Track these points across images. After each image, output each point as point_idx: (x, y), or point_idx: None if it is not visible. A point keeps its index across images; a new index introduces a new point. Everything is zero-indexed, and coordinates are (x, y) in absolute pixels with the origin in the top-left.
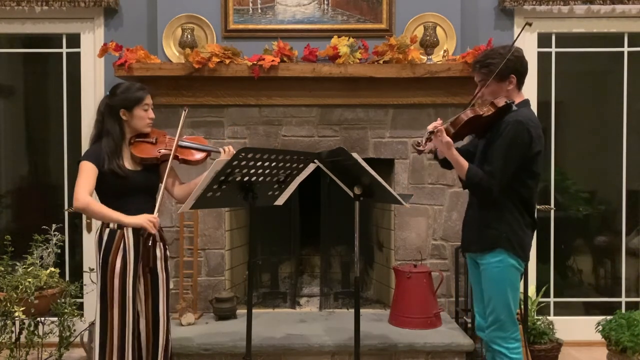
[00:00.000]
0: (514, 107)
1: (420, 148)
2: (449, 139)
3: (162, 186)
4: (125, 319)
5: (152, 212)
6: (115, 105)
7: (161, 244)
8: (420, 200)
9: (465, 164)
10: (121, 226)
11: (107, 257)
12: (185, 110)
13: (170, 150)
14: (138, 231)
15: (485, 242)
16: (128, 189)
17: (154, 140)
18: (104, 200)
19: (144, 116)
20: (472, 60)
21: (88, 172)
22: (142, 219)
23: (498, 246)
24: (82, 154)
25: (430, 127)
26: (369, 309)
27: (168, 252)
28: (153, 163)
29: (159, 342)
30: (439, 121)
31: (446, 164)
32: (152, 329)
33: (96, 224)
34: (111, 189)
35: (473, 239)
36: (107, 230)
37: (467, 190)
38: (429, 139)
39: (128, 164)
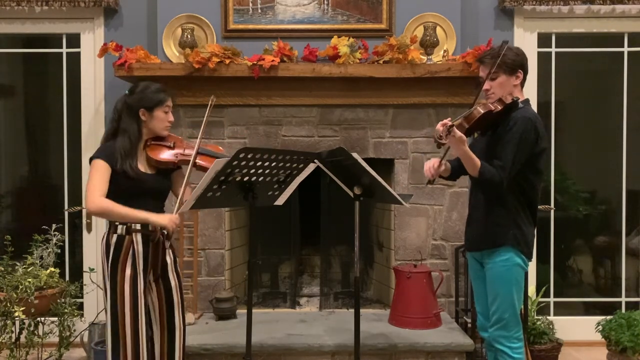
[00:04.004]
0: (520, 105)
1: (443, 141)
2: (462, 134)
3: (185, 182)
4: (137, 327)
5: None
6: (135, 104)
7: (170, 250)
8: (420, 200)
9: (477, 160)
10: (129, 231)
11: (116, 264)
12: (212, 101)
13: (188, 156)
14: (148, 236)
15: (494, 240)
16: (138, 192)
17: (171, 144)
18: (112, 200)
19: (163, 118)
20: (472, 59)
21: (102, 172)
22: (167, 220)
23: (506, 243)
24: (96, 150)
25: (440, 126)
26: (369, 309)
27: (177, 257)
28: (169, 168)
29: (175, 353)
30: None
31: (454, 174)
32: (167, 339)
33: (100, 228)
34: (121, 189)
35: (480, 237)
36: (115, 236)
37: (467, 190)
38: (448, 133)
39: (142, 166)
